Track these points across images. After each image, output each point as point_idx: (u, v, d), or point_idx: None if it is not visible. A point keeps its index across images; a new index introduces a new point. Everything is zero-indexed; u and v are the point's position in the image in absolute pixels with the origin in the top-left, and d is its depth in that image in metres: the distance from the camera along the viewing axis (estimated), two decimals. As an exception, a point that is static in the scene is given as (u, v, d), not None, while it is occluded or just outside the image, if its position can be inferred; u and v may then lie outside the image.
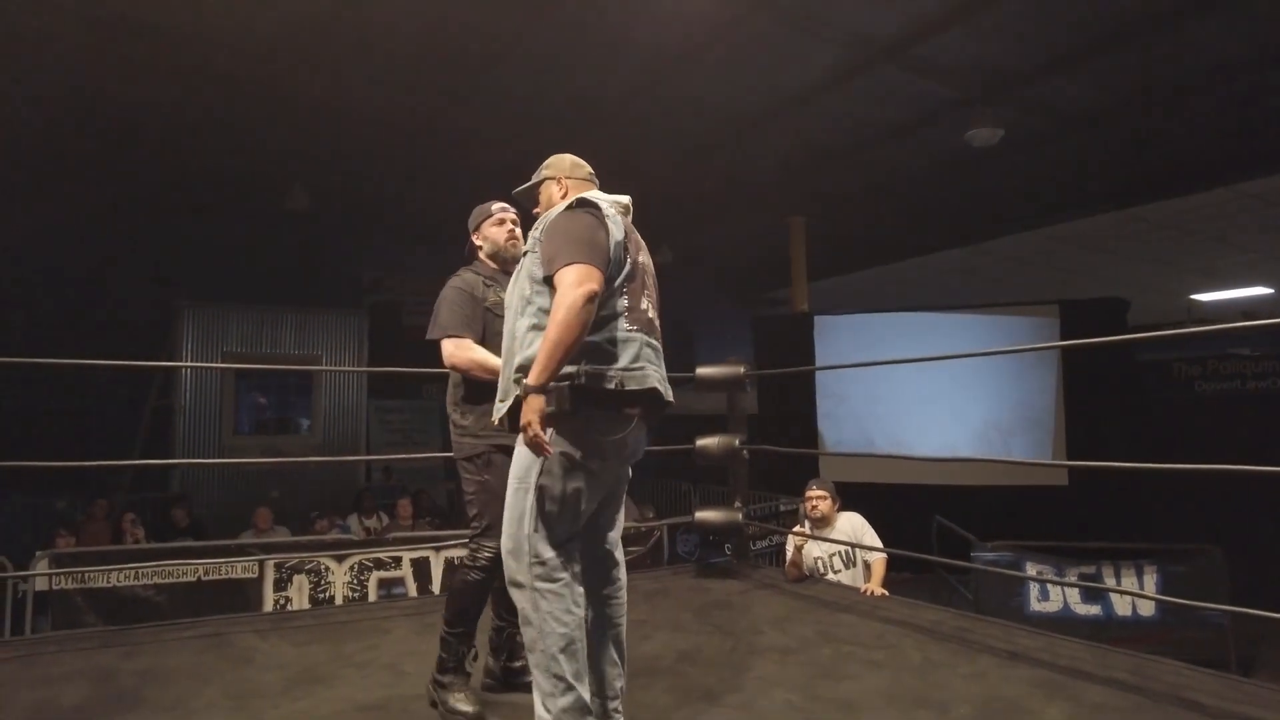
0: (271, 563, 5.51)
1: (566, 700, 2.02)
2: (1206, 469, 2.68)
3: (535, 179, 2.49)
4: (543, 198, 2.45)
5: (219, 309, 10.64)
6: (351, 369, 11.24)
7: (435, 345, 2.69)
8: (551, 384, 1.99)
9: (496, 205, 2.84)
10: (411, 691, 2.62)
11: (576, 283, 2.00)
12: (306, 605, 5.41)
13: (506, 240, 2.78)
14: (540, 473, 2.07)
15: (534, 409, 1.97)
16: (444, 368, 2.68)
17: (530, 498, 2.08)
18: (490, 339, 2.62)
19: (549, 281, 2.08)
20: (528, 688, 2.62)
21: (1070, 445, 8.45)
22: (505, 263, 2.76)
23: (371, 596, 5.64)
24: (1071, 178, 8.29)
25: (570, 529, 2.12)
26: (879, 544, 4.24)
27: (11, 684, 2.69)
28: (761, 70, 6.05)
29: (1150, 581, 5.90)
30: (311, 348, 11.07)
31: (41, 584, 5.13)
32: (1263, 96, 6.40)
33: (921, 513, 7.76)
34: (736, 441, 4.50)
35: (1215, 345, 9.34)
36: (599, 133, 6.80)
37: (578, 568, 2.13)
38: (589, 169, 2.47)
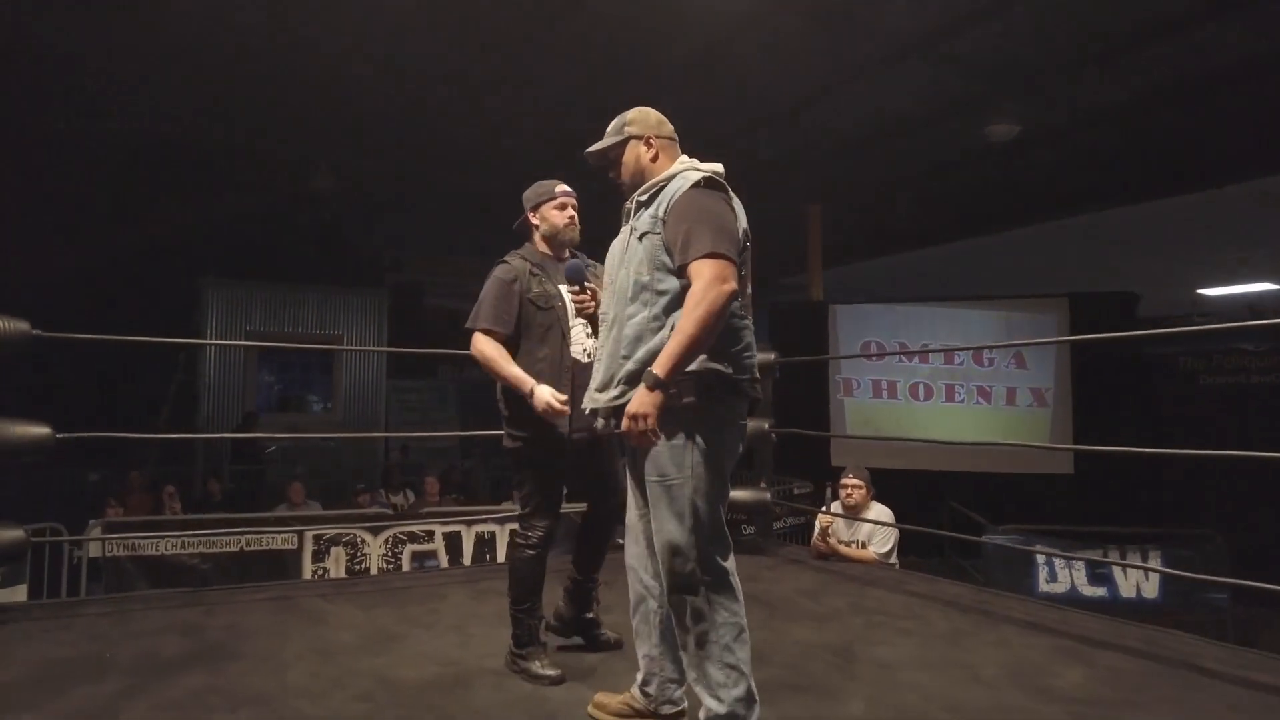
0: (310, 534, 5.77)
1: (740, 690, 1.96)
2: (1205, 454, 2.89)
3: (615, 137, 2.20)
4: (627, 159, 2.19)
5: (242, 288, 10.86)
6: (372, 348, 11.45)
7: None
8: (689, 373, 1.93)
9: (560, 187, 2.70)
10: (481, 649, 2.83)
11: (720, 279, 1.91)
12: (343, 575, 5.66)
13: (566, 226, 2.68)
14: (691, 465, 1.99)
15: (653, 403, 1.91)
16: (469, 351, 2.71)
17: (685, 491, 1.98)
18: (532, 331, 2.59)
19: (683, 270, 1.96)
20: (597, 641, 2.80)
21: (1078, 435, 8.68)
22: (559, 248, 2.70)
23: (405, 568, 5.90)
24: (1086, 172, 8.44)
25: (723, 517, 2.06)
26: (888, 544, 4.49)
27: (113, 637, 2.92)
28: (786, 64, 6.16)
29: (1154, 565, 6.13)
30: (333, 327, 11.29)
31: (94, 550, 5.39)
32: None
33: (932, 499, 8.00)
34: (766, 425, 4.73)
35: (1220, 340, 9.52)
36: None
37: (733, 558, 2.06)
38: (671, 127, 2.22)
